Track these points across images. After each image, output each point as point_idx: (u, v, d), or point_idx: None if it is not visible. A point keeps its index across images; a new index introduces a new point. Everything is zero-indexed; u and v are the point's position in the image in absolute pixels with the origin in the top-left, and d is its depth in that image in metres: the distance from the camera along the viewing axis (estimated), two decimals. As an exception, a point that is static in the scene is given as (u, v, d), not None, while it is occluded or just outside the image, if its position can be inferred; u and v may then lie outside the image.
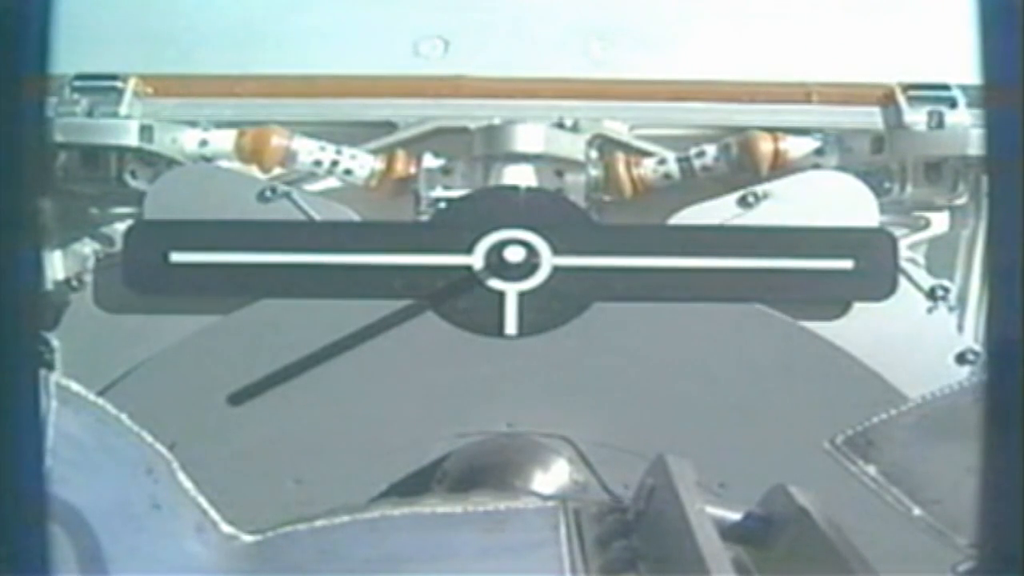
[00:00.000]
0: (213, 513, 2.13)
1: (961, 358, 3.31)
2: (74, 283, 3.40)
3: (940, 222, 3.55)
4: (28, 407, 1.45)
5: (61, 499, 1.74)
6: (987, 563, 1.42)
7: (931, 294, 3.37)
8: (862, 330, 3.30)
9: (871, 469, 2.06)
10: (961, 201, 3.49)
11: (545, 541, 2.07)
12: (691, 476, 2.06)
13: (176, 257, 3.28)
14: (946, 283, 3.39)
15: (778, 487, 2.09)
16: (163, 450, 2.12)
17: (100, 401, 2.08)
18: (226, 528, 2.13)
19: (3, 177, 1.42)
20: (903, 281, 3.34)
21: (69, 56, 3.29)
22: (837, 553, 1.85)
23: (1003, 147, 1.41)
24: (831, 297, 3.33)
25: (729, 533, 2.02)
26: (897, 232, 3.43)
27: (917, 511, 1.98)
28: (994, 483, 1.39)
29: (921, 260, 3.51)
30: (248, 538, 2.15)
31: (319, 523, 2.17)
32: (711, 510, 1.99)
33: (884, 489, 2.03)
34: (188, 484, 2.12)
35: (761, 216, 3.35)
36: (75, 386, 2.00)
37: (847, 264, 3.29)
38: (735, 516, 2.10)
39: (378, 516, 2.19)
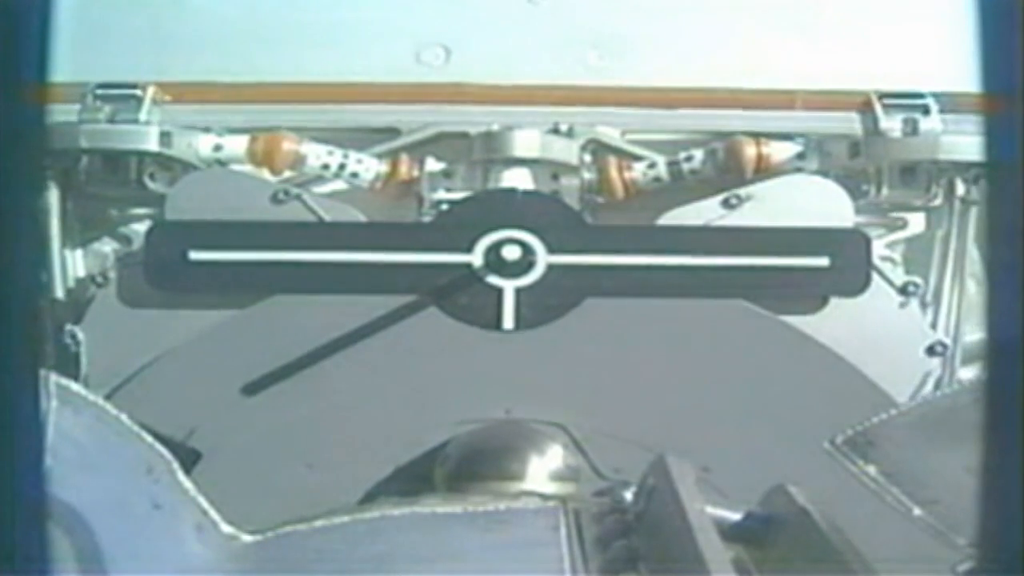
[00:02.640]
0: (213, 513, 1.96)
1: (931, 350, 3.22)
2: (99, 280, 3.30)
3: (917, 223, 3.44)
4: (28, 407, 1.34)
5: (61, 499, 1.58)
6: (987, 563, 1.32)
7: (903, 290, 3.26)
8: (838, 323, 3.20)
9: (871, 469, 1.88)
10: (936, 203, 3.38)
11: (545, 541, 1.95)
12: (691, 476, 1.89)
13: (195, 255, 3.20)
14: (917, 280, 3.29)
15: (778, 487, 1.92)
16: (163, 450, 1.94)
17: (100, 401, 1.91)
18: (226, 528, 1.97)
19: (3, 178, 1.31)
20: (876, 278, 3.23)
21: (91, 64, 3.17)
22: (837, 553, 1.67)
23: (1003, 149, 1.30)
24: (808, 292, 3.24)
25: (729, 533, 1.88)
26: (875, 232, 3.35)
27: (917, 511, 1.80)
28: (994, 483, 1.29)
29: (899, 258, 3.41)
30: (248, 538, 2.00)
31: (318, 523, 2.02)
32: (711, 510, 1.83)
33: (884, 489, 1.84)
34: (188, 484, 1.94)
35: (744, 217, 3.26)
36: (75, 386, 1.82)
37: (823, 261, 3.20)
38: (735, 516, 1.95)
39: (378, 516, 2.04)
